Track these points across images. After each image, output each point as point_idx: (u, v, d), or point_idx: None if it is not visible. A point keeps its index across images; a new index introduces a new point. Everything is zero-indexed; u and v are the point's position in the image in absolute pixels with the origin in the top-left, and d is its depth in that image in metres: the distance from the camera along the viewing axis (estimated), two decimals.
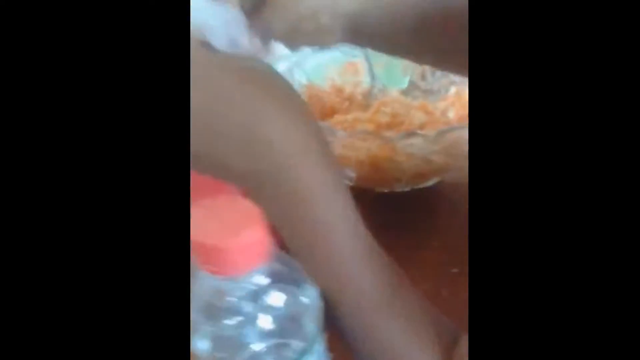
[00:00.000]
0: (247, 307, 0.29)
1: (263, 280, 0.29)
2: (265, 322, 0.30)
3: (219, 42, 0.50)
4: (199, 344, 0.30)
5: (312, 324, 0.31)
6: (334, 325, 0.35)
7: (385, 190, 0.58)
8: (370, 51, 0.66)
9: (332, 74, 0.68)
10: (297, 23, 0.46)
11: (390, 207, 0.57)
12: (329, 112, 0.65)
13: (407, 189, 0.58)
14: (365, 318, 0.34)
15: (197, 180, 0.40)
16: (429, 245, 0.53)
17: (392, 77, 0.68)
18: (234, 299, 0.29)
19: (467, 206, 0.60)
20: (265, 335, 0.30)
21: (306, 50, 0.66)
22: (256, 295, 0.29)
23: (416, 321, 0.35)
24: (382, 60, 0.67)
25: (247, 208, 0.29)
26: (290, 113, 0.34)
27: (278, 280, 0.30)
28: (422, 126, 0.61)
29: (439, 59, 0.53)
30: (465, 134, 0.55)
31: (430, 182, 0.59)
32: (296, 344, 0.31)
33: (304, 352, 0.31)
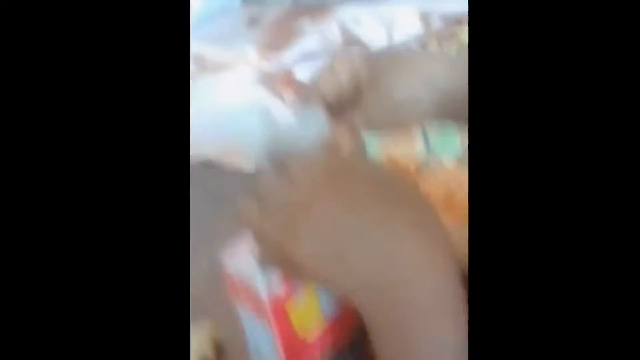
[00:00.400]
0: None
1: None
2: None
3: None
4: None
5: None
6: None
7: None
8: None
9: (387, 142, 0.69)
10: (398, 104, 0.48)
11: None
12: None
13: None
14: None
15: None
16: None
17: (447, 145, 0.68)
18: None
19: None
20: None
21: None
22: None
23: None
24: (436, 127, 0.68)
25: None
26: (419, 231, 0.35)
27: None
28: None
29: None
30: None
31: None
32: None
33: None
